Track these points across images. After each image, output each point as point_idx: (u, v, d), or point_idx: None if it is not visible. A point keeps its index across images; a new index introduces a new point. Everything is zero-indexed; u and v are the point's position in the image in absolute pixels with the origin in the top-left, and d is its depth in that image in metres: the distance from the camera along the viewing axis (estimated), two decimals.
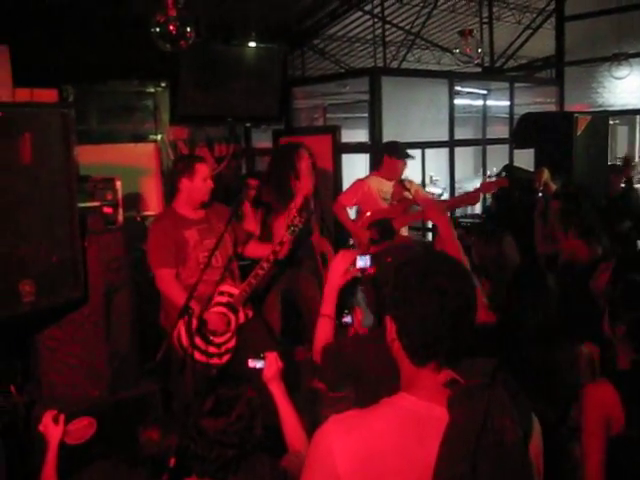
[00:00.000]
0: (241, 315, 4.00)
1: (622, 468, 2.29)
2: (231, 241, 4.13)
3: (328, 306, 2.54)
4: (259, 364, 2.67)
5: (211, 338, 3.90)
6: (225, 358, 3.93)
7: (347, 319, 2.77)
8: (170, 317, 3.76)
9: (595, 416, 2.30)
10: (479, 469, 1.35)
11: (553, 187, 5.49)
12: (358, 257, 2.47)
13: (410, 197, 5.61)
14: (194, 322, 3.70)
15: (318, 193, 5.20)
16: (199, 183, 3.97)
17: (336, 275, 2.52)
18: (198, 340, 3.82)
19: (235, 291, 3.98)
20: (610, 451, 2.29)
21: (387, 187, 5.64)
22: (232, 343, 3.96)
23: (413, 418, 1.45)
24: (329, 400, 4.69)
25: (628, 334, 2.37)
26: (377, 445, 1.42)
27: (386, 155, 5.63)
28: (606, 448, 2.28)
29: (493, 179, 7.59)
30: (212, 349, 3.91)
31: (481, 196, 4.92)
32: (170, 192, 4.18)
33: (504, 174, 6.79)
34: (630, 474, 2.31)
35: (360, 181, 5.87)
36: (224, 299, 3.95)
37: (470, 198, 5.10)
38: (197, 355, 3.78)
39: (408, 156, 5.85)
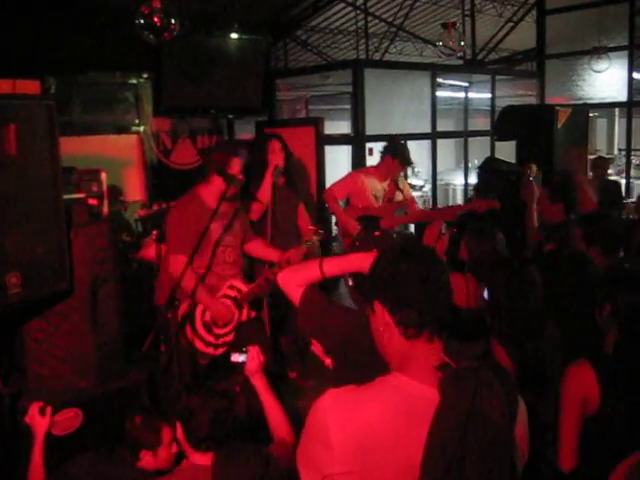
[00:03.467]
0: (244, 313, 4.07)
1: (595, 446, 2.38)
2: (242, 237, 4.20)
3: (334, 268, 2.25)
4: (242, 358, 2.73)
5: (213, 328, 3.96)
6: (220, 350, 3.97)
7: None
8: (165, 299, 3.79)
9: (572, 395, 2.40)
10: (467, 449, 1.39)
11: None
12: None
13: (401, 199, 5.66)
14: (200, 309, 3.87)
15: (296, 182, 5.21)
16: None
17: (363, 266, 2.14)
18: (200, 327, 3.91)
19: (244, 288, 4.04)
20: (585, 429, 2.38)
21: (380, 185, 5.65)
22: (230, 337, 4.01)
23: (405, 398, 1.50)
24: (302, 390, 4.77)
25: (613, 314, 2.45)
26: (370, 423, 1.47)
27: (389, 155, 5.58)
28: (581, 426, 2.39)
29: (475, 170, 7.66)
30: (210, 338, 3.96)
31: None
32: (201, 175, 4.14)
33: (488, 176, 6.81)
34: (603, 452, 2.38)
35: (354, 174, 5.88)
36: (233, 293, 4.01)
37: (448, 213, 5.08)
38: (197, 342, 3.88)
39: (411, 164, 5.87)
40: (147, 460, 2.75)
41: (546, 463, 2.63)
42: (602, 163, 7.99)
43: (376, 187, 5.61)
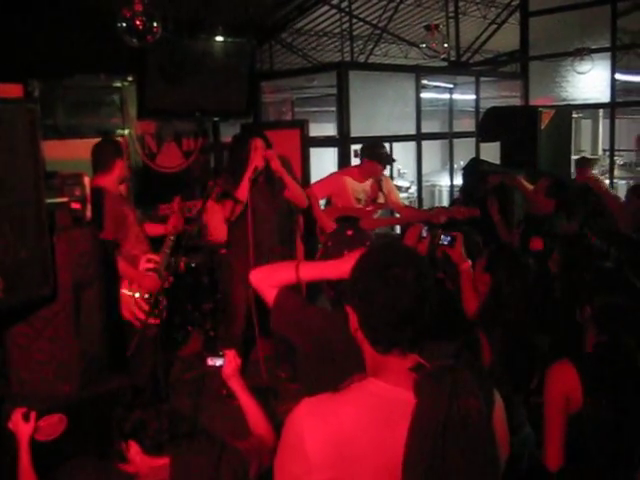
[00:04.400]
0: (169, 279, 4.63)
1: (580, 444, 2.43)
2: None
3: (310, 272, 2.20)
4: (218, 362, 2.73)
5: (146, 297, 4.48)
6: (160, 317, 4.56)
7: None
8: None
9: (555, 394, 2.44)
10: (447, 450, 1.40)
11: (530, 187, 5.59)
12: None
13: (382, 201, 5.67)
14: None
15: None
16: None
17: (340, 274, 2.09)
18: (141, 301, 4.47)
19: (157, 258, 4.58)
20: (570, 428, 2.41)
21: (360, 187, 5.66)
22: (164, 301, 4.62)
23: (381, 403, 1.50)
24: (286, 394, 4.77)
25: (593, 316, 2.48)
26: (347, 430, 1.47)
27: (366, 158, 5.59)
28: (566, 425, 2.42)
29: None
30: (147, 307, 4.45)
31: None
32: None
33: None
34: (587, 450, 2.44)
35: (336, 174, 5.90)
36: (151, 265, 4.55)
37: (431, 217, 5.10)
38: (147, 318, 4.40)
39: (391, 162, 5.89)
40: (129, 468, 2.72)
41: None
42: (586, 164, 8.03)
43: (357, 188, 5.63)
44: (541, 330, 3.00)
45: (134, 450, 2.43)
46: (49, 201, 3.48)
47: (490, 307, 2.95)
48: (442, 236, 3.33)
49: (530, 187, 5.46)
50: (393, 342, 1.52)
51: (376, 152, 5.59)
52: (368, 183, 5.65)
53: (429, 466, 1.40)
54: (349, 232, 2.61)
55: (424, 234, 3.31)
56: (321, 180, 5.79)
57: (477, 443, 1.43)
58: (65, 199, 3.66)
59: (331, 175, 5.89)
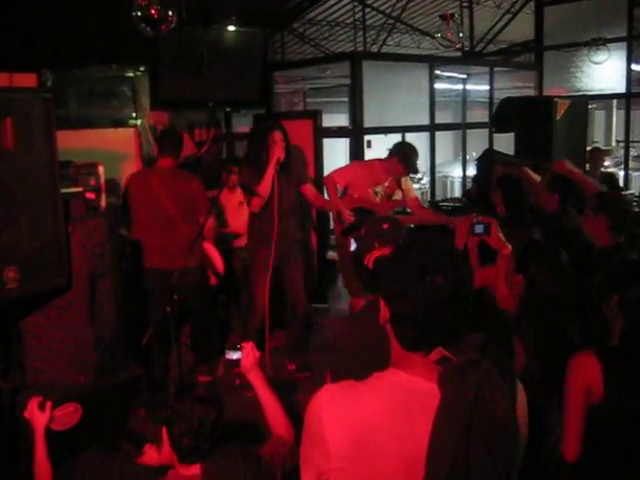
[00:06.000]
0: None
1: (599, 436, 2.41)
2: None
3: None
4: (236, 355, 2.66)
5: None
6: None
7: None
8: None
9: (576, 385, 2.42)
10: (472, 443, 1.39)
11: (537, 178, 5.52)
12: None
13: (399, 199, 5.62)
14: None
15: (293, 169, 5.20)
16: None
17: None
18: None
19: None
20: (589, 419, 2.40)
21: (380, 180, 5.62)
22: None
23: (403, 393, 1.49)
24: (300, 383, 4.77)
25: (620, 307, 2.46)
26: (366, 419, 1.46)
27: (397, 158, 5.53)
28: (585, 416, 2.40)
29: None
30: None
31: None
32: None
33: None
34: (606, 442, 2.42)
35: (356, 164, 5.88)
36: None
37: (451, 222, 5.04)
38: None
39: (417, 172, 5.83)
40: (151, 455, 2.70)
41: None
42: (598, 154, 7.96)
43: (376, 181, 5.59)
44: (575, 322, 2.97)
45: (165, 438, 2.37)
46: (64, 191, 3.47)
47: (526, 307, 2.91)
48: (475, 225, 3.24)
49: (537, 178, 5.38)
50: (421, 344, 1.50)
51: (409, 157, 5.52)
52: (387, 179, 5.62)
53: (454, 459, 1.38)
54: (385, 225, 2.55)
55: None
56: (341, 168, 5.76)
57: (501, 437, 1.42)
58: (80, 189, 3.66)
59: (352, 163, 5.87)
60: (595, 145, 9.75)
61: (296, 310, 5.21)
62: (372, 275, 2.33)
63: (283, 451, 2.45)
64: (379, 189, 5.60)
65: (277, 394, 2.68)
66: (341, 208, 5.23)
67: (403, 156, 5.51)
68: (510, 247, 3.20)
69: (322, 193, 7.52)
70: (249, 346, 2.68)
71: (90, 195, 3.70)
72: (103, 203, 3.79)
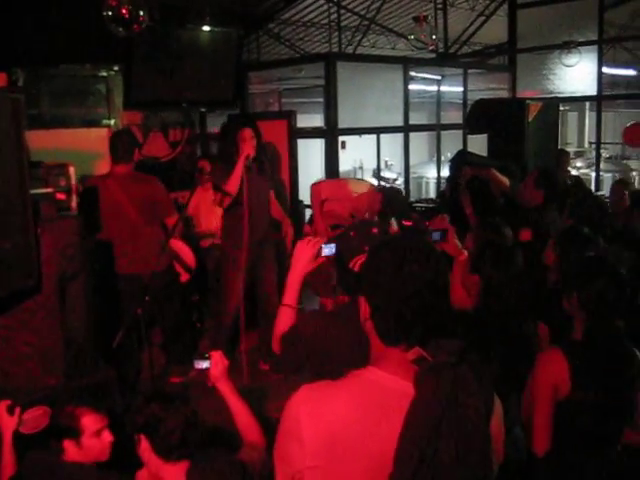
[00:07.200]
0: None
1: (567, 430, 2.47)
2: None
3: (291, 295, 2.48)
4: (205, 364, 2.63)
5: None
6: None
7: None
8: None
9: (544, 381, 2.48)
10: (442, 443, 1.40)
11: (505, 180, 5.58)
12: (324, 245, 2.44)
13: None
14: None
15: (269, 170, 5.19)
16: None
17: (300, 264, 2.46)
18: None
19: None
20: (557, 414, 2.46)
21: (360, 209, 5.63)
22: None
23: (379, 391, 1.50)
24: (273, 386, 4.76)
25: (581, 303, 2.52)
26: (340, 416, 1.48)
27: (381, 194, 5.51)
28: (553, 411, 2.46)
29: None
30: None
31: None
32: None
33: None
34: (574, 436, 2.49)
35: (348, 182, 5.94)
36: None
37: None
38: None
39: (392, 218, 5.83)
40: (72, 451, 2.66)
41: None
42: (564, 157, 8.05)
43: (357, 209, 5.58)
44: (531, 320, 3.02)
45: (144, 445, 2.34)
46: (34, 192, 3.44)
47: (482, 306, 2.96)
48: (432, 233, 3.28)
49: (505, 180, 5.45)
50: (403, 337, 1.51)
51: (392, 204, 5.47)
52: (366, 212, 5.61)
53: (420, 459, 1.39)
54: (374, 229, 2.58)
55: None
56: (332, 180, 5.80)
57: (472, 442, 1.43)
58: (50, 190, 3.62)
59: (341, 180, 5.90)
60: (565, 147, 9.88)
61: (268, 310, 5.19)
62: (358, 278, 2.35)
63: (257, 459, 2.44)
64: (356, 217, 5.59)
65: (248, 401, 2.67)
66: (319, 227, 5.29)
67: (387, 200, 5.46)
68: (466, 253, 3.26)
69: (298, 195, 7.58)
70: (218, 355, 2.65)
71: (61, 196, 3.67)
72: (74, 204, 3.76)
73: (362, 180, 6.18)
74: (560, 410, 2.47)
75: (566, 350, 2.47)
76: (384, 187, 5.70)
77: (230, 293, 5.04)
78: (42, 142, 5.53)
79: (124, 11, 4.48)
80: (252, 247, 4.91)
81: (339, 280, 2.51)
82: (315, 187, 5.75)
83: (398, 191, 5.76)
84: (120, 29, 4.59)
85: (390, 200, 5.47)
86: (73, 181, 3.75)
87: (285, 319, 2.47)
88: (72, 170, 3.75)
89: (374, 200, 5.54)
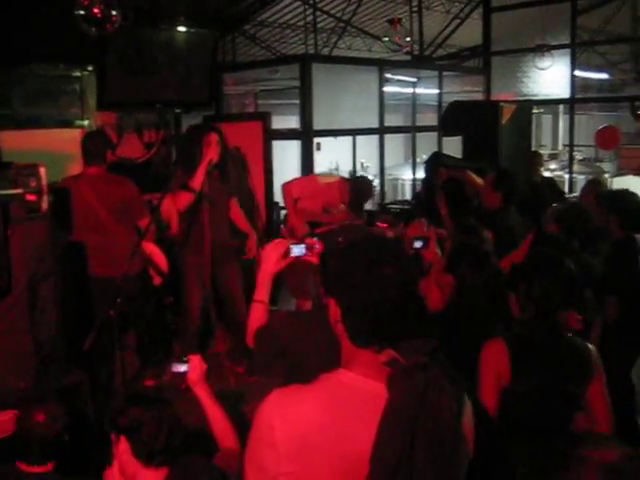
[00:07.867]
0: None
1: (510, 417, 2.52)
2: None
3: (261, 292, 2.49)
4: (182, 368, 2.62)
5: None
6: None
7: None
8: None
9: (487, 369, 2.54)
10: (416, 444, 1.40)
11: (480, 181, 5.62)
12: (293, 246, 2.46)
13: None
14: None
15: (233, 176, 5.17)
16: None
17: (269, 263, 2.48)
18: None
19: None
20: (501, 402, 2.51)
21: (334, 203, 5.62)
22: None
23: (351, 393, 1.51)
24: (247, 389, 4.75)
25: (527, 295, 2.57)
26: (313, 419, 1.47)
27: (353, 186, 5.39)
28: (497, 398, 2.51)
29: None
30: None
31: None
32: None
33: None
34: (515, 422, 2.52)
35: (316, 178, 5.90)
36: None
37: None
38: None
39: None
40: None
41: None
42: (537, 159, 8.11)
43: (329, 202, 5.58)
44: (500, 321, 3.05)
45: (123, 447, 2.28)
46: (3, 193, 3.40)
47: (455, 306, 2.99)
48: (415, 241, 3.35)
49: (480, 181, 5.48)
50: (374, 338, 1.51)
51: (359, 190, 5.41)
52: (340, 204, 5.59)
53: (397, 460, 1.39)
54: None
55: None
56: (301, 178, 5.78)
57: (446, 440, 1.43)
58: (20, 190, 3.58)
59: (310, 177, 5.87)
60: (540, 149, 9.97)
61: (236, 316, 5.13)
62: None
63: (233, 465, 2.43)
64: (329, 212, 5.59)
65: (224, 405, 2.65)
66: (295, 225, 5.27)
67: (357, 190, 5.38)
68: (444, 262, 3.30)
69: (273, 197, 7.57)
70: (196, 359, 2.65)
71: (31, 197, 3.62)
72: (45, 205, 3.71)
73: (330, 174, 6.19)
74: (502, 400, 2.52)
75: (508, 340, 2.54)
76: (353, 177, 5.70)
77: (189, 297, 5.02)
78: (14, 142, 5.48)
79: (96, 10, 4.44)
80: (212, 255, 4.84)
81: (322, 280, 2.52)
82: (286, 186, 5.74)
83: (367, 181, 5.73)
84: (92, 29, 4.54)
85: (359, 190, 5.47)
86: (44, 182, 3.71)
87: (257, 315, 2.48)
88: (43, 171, 3.70)
89: (344, 191, 5.54)
